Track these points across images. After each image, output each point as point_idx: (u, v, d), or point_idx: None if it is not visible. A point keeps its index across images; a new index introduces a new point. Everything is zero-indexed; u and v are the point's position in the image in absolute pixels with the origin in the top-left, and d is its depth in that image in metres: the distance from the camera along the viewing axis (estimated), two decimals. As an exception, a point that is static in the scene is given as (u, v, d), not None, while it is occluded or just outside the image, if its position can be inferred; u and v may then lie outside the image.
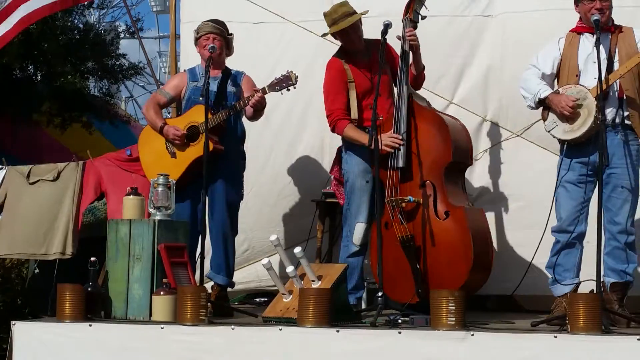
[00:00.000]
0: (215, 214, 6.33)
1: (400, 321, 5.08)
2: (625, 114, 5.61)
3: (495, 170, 6.98)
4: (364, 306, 6.19)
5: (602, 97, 5.32)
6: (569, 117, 5.56)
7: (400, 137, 5.87)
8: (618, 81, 5.55)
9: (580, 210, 5.62)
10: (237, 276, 6.83)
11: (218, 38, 6.43)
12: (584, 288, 5.28)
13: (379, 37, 5.89)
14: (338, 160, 6.71)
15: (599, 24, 5.46)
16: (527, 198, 6.80)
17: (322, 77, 6.30)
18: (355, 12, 6.18)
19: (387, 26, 5.88)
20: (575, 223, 5.61)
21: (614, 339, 4.66)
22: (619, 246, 5.56)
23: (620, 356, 4.55)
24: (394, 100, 6.14)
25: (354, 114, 6.13)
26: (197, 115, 6.31)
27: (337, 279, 5.32)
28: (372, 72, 6.14)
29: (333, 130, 6.24)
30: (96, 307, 5.48)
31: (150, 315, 5.43)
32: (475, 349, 4.69)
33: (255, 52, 7.39)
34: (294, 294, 5.32)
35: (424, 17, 6.21)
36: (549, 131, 5.71)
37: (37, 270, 7.55)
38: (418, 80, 6.22)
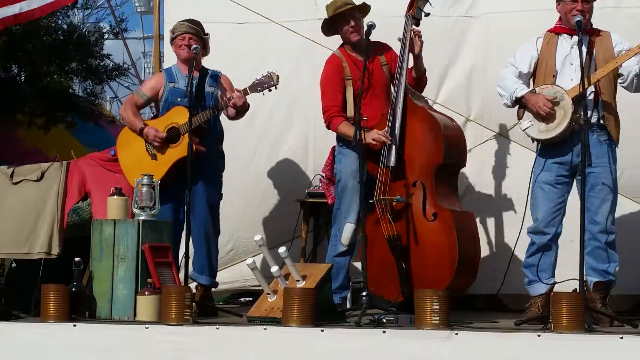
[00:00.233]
0: (197, 214, 6.27)
1: (385, 320, 5.10)
2: (601, 114, 5.62)
3: (478, 170, 7.00)
4: (349, 306, 6.20)
5: (583, 96, 5.34)
6: (545, 117, 5.58)
7: (389, 136, 5.88)
8: (594, 84, 5.56)
9: (556, 212, 5.64)
10: (222, 276, 6.83)
11: (194, 38, 6.40)
12: (568, 287, 5.30)
13: (378, 38, 5.89)
14: (332, 160, 6.70)
15: (581, 25, 5.47)
16: (511, 197, 6.83)
17: (306, 78, 6.34)
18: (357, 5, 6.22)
19: (370, 27, 5.90)
20: (552, 224, 5.63)
21: (597, 337, 4.70)
22: (599, 246, 5.58)
23: (603, 355, 4.58)
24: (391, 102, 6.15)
25: (351, 111, 6.13)
26: (176, 116, 6.30)
27: (321, 278, 5.33)
28: (370, 71, 6.15)
29: (328, 127, 6.24)
30: (80, 307, 5.46)
31: (135, 315, 5.43)
32: (460, 348, 4.71)
33: (239, 52, 7.39)
34: (278, 294, 5.33)
35: (427, 14, 6.18)
36: (523, 130, 5.72)
37: (14, 264, 7.48)
38: (420, 84, 6.23)
